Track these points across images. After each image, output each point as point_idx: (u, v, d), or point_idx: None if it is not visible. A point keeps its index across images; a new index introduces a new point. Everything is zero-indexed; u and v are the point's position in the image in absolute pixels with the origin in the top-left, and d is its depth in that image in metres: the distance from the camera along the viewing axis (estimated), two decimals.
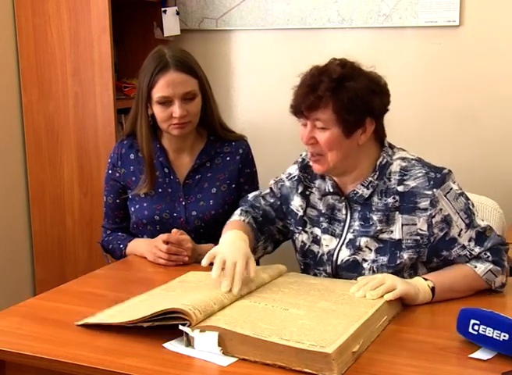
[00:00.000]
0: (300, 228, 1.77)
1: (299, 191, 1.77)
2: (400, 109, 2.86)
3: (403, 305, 1.52)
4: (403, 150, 1.72)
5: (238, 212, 1.83)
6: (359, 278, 1.57)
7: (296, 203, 1.77)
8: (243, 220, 1.79)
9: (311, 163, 1.69)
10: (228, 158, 2.09)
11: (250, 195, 1.89)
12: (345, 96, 1.56)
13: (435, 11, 2.70)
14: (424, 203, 1.59)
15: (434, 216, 1.59)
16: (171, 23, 2.95)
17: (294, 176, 1.79)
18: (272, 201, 1.84)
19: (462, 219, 1.60)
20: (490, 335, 1.26)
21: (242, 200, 1.90)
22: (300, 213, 1.77)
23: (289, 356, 1.21)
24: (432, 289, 1.53)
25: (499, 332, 1.25)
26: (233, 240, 1.63)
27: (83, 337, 1.37)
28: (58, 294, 1.67)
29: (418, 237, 1.61)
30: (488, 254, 1.59)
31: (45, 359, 1.30)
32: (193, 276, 1.72)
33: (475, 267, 1.59)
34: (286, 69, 2.93)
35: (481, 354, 1.27)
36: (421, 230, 1.60)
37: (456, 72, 2.75)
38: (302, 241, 1.76)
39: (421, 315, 1.51)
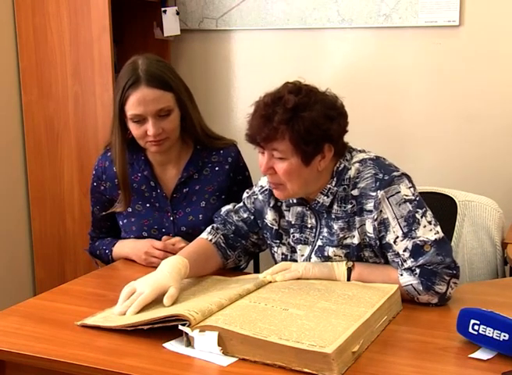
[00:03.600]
0: (278, 241, 1.75)
1: (271, 204, 1.75)
2: (400, 109, 2.87)
3: (404, 304, 1.53)
4: (363, 152, 1.68)
5: (208, 229, 1.82)
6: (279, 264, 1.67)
7: (270, 217, 1.75)
8: (210, 240, 1.78)
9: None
10: (217, 168, 2.01)
11: (224, 209, 1.86)
12: (301, 127, 1.51)
13: (435, 11, 2.71)
14: (369, 205, 1.57)
15: (376, 219, 1.57)
16: (171, 23, 2.95)
17: (266, 190, 1.77)
18: (245, 216, 1.81)
19: (400, 226, 1.55)
20: (490, 335, 1.27)
21: (216, 214, 1.87)
22: (275, 227, 1.75)
23: (288, 356, 1.21)
24: (349, 270, 1.60)
25: (499, 332, 1.25)
26: (161, 270, 1.57)
27: (83, 337, 1.37)
28: (58, 294, 1.67)
29: (367, 239, 1.60)
30: (417, 271, 1.53)
31: (45, 359, 1.30)
32: (192, 277, 1.72)
33: (401, 275, 1.56)
34: (286, 69, 2.93)
35: (481, 354, 1.28)
36: (368, 232, 1.59)
37: (456, 72, 2.75)
38: (282, 253, 1.75)
39: (421, 315, 1.51)
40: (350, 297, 1.47)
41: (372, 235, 1.59)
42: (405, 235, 1.55)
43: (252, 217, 1.81)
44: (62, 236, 2.84)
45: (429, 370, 1.23)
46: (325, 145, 1.56)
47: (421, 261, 1.53)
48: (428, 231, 1.55)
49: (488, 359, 1.26)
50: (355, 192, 1.61)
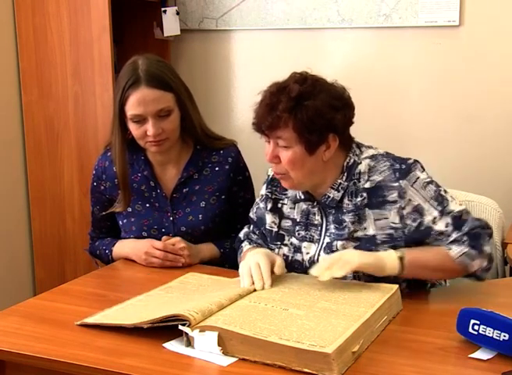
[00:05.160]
0: (279, 243, 1.75)
1: (268, 208, 1.76)
2: (400, 109, 2.87)
3: (404, 304, 1.52)
4: (371, 148, 1.69)
5: (244, 244, 1.83)
6: (320, 259, 1.63)
7: (269, 220, 1.76)
8: (255, 246, 1.79)
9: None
10: (217, 169, 2.00)
11: (242, 234, 1.87)
12: (304, 115, 1.53)
13: (435, 11, 2.71)
14: (392, 195, 1.59)
15: (404, 208, 1.58)
16: (171, 23, 2.95)
17: (264, 196, 1.79)
18: (257, 232, 1.83)
19: (434, 206, 1.58)
20: (490, 335, 1.27)
21: (236, 239, 1.89)
22: (275, 229, 1.75)
23: (289, 356, 1.21)
24: (401, 260, 1.54)
25: (499, 332, 1.25)
26: (253, 253, 1.66)
27: (83, 337, 1.37)
28: (58, 294, 1.67)
29: (392, 231, 1.60)
30: (465, 238, 1.57)
31: (45, 359, 1.30)
32: (192, 277, 1.73)
33: (450, 249, 1.57)
34: (286, 69, 2.91)
35: (481, 354, 1.27)
36: (393, 223, 1.59)
37: (456, 72, 2.75)
38: (284, 255, 1.73)
39: (421, 315, 1.51)
40: (350, 297, 1.47)
41: (399, 225, 1.59)
42: (441, 212, 1.59)
43: (260, 229, 1.82)
44: (62, 236, 2.84)
45: (429, 370, 1.23)
46: (329, 135, 1.57)
47: (466, 229, 1.58)
48: (456, 203, 1.62)
49: (488, 359, 1.26)
50: (368, 185, 1.61)
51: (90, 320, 1.43)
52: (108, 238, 2.06)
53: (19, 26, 2.75)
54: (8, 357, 1.36)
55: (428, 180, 1.62)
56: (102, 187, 2.02)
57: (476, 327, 1.29)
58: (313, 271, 1.53)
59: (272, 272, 1.58)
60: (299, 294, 1.49)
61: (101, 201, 2.04)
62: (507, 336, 1.24)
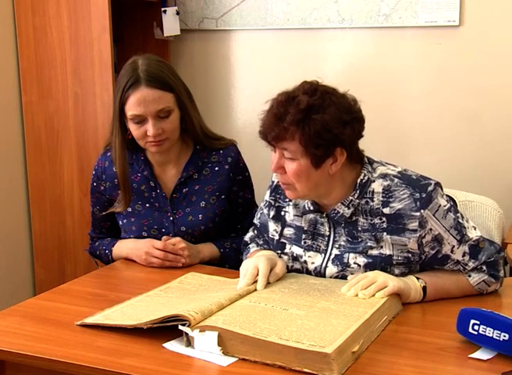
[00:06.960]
0: (280, 252, 1.73)
1: (271, 216, 1.75)
2: (400, 109, 2.87)
3: (404, 304, 1.52)
4: (383, 164, 1.65)
5: (251, 245, 1.83)
6: (350, 276, 1.59)
7: (271, 228, 1.75)
8: (263, 249, 1.79)
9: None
10: (216, 168, 2.00)
11: (247, 238, 1.87)
12: (312, 129, 1.48)
13: (435, 11, 2.71)
14: (412, 224, 1.55)
15: (424, 237, 1.56)
16: (171, 23, 2.95)
17: (267, 202, 1.77)
18: (262, 238, 1.83)
19: (453, 236, 1.57)
20: (490, 335, 1.27)
21: (243, 242, 1.88)
22: (276, 237, 1.73)
23: (288, 356, 1.21)
24: (424, 288, 1.56)
25: (499, 332, 1.25)
26: (257, 255, 1.67)
27: (83, 337, 1.37)
28: (58, 294, 1.67)
29: (409, 255, 1.58)
30: (484, 268, 1.58)
31: (45, 359, 1.30)
32: (192, 277, 1.73)
33: (469, 276, 1.59)
34: (286, 69, 2.93)
35: (481, 354, 1.28)
36: (411, 249, 1.57)
37: (456, 72, 2.75)
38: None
39: (421, 315, 1.51)
40: (349, 297, 1.47)
41: (417, 251, 1.58)
42: (460, 242, 1.58)
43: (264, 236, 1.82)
44: (62, 236, 2.84)
45: (429, 370, 1.23)
46: (336, 149, 1.53)
47: (483, 258, 1.59)
48: (473, 229, 1.61)
49: (488, 359, 1.26)
50: (387, 210, 1.57)
51: (90, 320, 1.43)
52: (108, 238, 2.06)
53: (19, 26, 2.75)
54: (8, 357, 1.36)
55: (448, 206, 1.58)
56: (102, 188, 2.02)
57: (476, 327, 1.29)
58: (344, 289, 1.52)
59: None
60: (299, 294, 1.49)
61: (100, 201, 2.04)
62: (507, 336, 1.25)
